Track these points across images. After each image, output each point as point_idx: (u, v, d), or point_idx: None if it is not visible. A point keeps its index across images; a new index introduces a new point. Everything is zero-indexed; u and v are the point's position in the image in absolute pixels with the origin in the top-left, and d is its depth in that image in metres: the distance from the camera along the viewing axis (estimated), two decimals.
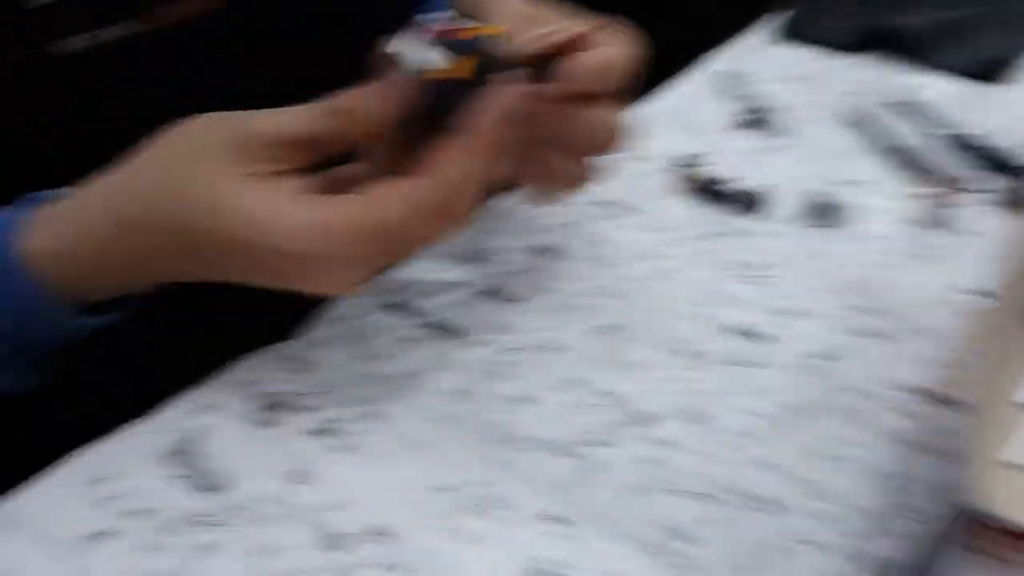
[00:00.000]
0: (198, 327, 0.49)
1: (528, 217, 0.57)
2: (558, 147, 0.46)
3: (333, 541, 0.39)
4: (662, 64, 0.65)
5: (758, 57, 0.75)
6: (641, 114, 0.67)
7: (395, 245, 0.38)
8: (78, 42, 0.43)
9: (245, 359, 0.47)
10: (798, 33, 0.77)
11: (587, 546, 0.39)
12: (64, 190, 0.41)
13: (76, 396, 0.47)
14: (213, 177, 0.37)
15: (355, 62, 0.40)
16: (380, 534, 0.39)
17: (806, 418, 0.44)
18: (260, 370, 0.47)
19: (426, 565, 0.38)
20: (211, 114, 0.39)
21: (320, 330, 0.49)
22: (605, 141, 0.46)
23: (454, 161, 0.37)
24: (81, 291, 0.41)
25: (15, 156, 0.44)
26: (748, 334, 0.48)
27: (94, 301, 0.42)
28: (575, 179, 0.48)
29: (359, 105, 0.37)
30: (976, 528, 0.32)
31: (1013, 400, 0.38)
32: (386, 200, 0.37)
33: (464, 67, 0.37)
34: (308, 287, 0.40)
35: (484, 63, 0.38)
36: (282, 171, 0.37)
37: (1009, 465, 0.36)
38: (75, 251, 0.39)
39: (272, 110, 0.38)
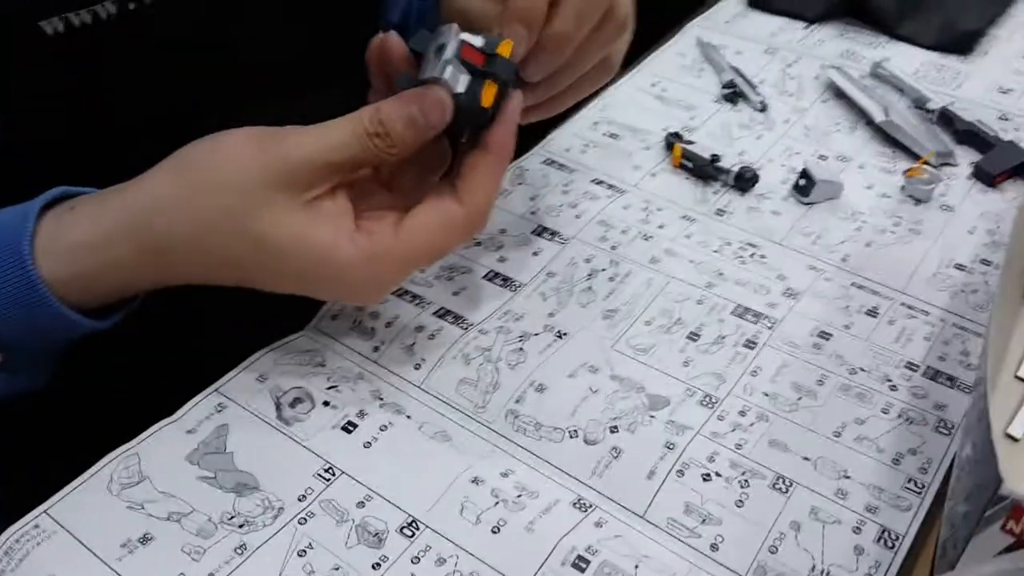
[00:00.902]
0: (205, 322, 0.49)
1: (526, 199, 0.58)
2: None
3: (364, 536, 0.40)
4: (638, 33, 0.65)
5: (732, 27, 0.75)
6: (625, 88, 0.68)
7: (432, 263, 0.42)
8: (60, 23, 0.42)
9: (257, 354, 0.47)
10: (764, 2, 0.78)
11: (614, 530, 0.40)
12: (75, 196, 0.41)
13: (86, 396, 0.47)
14: (271, 214, 0.38)
15: (343, 33, 0.41)
16: (410, 528, 0.40)
17: (810, 397, 0.46)
18: (274, 365, 0.47)
19: (456, 557, 0.39)
20: (239, 136, 0.39)
21: (327, 323, 0.50)
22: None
23: (486, 182, 0.41)
24: (90, 299, 0.41)
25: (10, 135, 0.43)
26: (751, 314, 0.50)
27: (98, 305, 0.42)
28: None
29: (399, 131, 0.39)
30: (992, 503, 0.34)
31: (1018, 375, 0.40)
32: (430, 230, 0.40)
33: (489, 95, 0.40)
34: (345, 301, 0.46)
35: (501, 88, 0.41)
36: (326, 193, 0.39)
37: (1016, 439, 0.38)
38: (93, 271, 0.40)
39: (306, 131, 0.39)
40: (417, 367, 0.47)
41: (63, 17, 0.42)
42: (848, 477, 0.42)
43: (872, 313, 0.50)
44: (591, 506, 0.41)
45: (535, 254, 0.54)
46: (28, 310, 0.39)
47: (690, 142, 0.61)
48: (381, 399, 0.46)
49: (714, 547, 0.40)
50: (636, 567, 0.39)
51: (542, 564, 0.39)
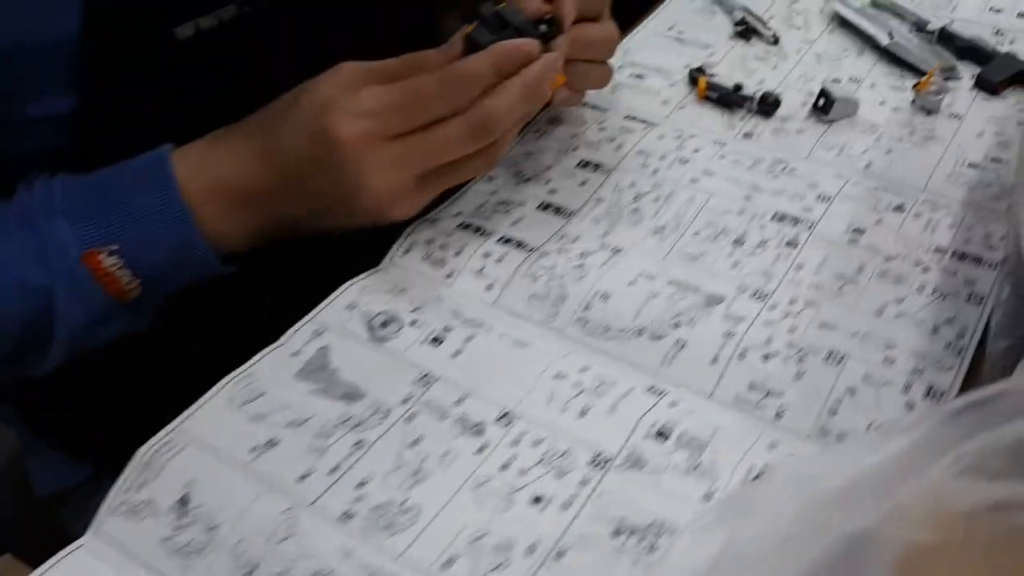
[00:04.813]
0: (292, 264, 0.53)
1: (567, 137, 0.62)
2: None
3: (466, 427, 0.44)
4: None
5: None
6: (643, 34, 0.72)
7: (431, 144, 0.47)
8: (191, 28, 0.47)
9: (343, 287, 0.52)
10: None
11: (688, 408, 0.45)
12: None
13: (199, 331, 0.51)
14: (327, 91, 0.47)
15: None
16: (505, 418, 0.44)
17: (852, 283, 0.50)
18: (360, 294, 0.51)
19: (550, 437, 0.43)
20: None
21: (399, 258, 0.54)
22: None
23: (472, 59, 0.47)
24: (222, 234, 0.45)
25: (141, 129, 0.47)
26: (789, 219, 0.54)
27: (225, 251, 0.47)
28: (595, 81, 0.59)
29: (428, 57, 0.48)
30: None
31: None
32: (417, 79, 0.47)
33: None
34: (371, 199, 0.48)
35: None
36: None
37: None
38: (221, 182, 0.47)
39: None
40: (489, 288, 0.52)
41: (194, 22, 0.47)
42: (893, 347, 0.47)
43: (899, 209, 0.55)
44: (664, 392, 0.46)
45: (581, 184, 0.58)
46: (178, 240, 0.45)
47: (712, 75, 0.65)
48: (461, 316, 0.50)
49: (779, 415, 0.44)
50: (712, 434, 0.43)
51: (628, 437, 0.43)
